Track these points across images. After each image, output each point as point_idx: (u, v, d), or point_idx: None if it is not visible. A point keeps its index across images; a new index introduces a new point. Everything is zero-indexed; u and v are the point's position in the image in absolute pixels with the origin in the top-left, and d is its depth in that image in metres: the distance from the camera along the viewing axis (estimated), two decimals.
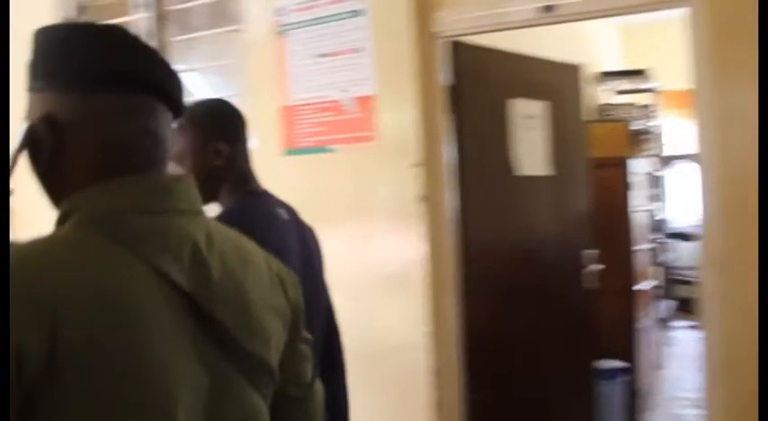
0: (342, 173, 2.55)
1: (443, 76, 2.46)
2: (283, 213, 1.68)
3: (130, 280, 0.79)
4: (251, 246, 1.01)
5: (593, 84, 4.64)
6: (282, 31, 2.65)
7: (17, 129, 0.87)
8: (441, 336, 2.42)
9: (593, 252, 3.19)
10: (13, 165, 0.86)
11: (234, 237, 0.98)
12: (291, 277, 1.06)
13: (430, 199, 2.38)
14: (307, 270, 1.60)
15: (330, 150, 2.55)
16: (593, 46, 5.30)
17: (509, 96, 2.79)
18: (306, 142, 2.62)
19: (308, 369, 1.09)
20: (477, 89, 2.60)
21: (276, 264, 1.05)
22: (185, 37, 3.24)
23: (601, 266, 3.26)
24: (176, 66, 2.79)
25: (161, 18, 3.27)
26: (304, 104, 2.61)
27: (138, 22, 3.34)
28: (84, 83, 0.84)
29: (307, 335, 1.09)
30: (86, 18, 3.56)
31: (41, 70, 0.86)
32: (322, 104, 2.56)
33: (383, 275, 2.46)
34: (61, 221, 0.84)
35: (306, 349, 1.08)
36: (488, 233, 2.69)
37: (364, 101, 2.46)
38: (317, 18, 2.56)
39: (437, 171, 2.42)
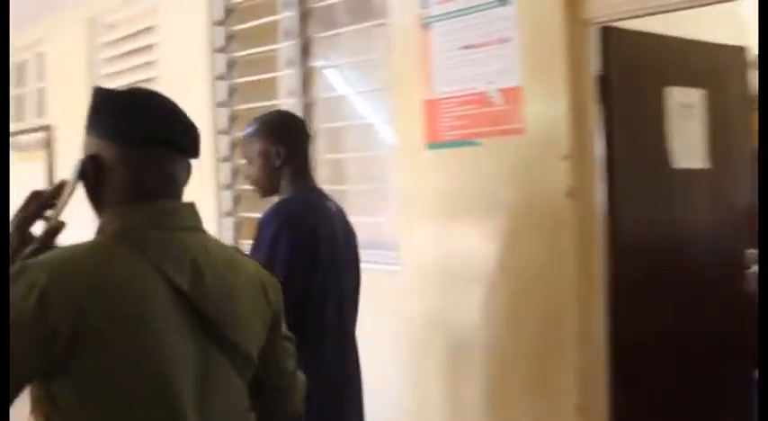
0: (487, 166, 2.50)
1: (594, 64, 2.35)
2: (332, 205, 2.10)
3: (141, 279, 1.09)
4: (242, 259, 1.33)
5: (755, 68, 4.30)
6: (426, 23, 2.63)
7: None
8: (588, 336, 2.32)
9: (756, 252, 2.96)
10: (73, 189, 1.22)
11: (228, 251, 1.30)
12: (274, 284, 1.33)
13: (579, 193, 2.28)
14: (349, 252, 2.13)
15: (475, 143, 2.50)
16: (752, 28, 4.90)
17: (665, 84, 2.62)
18: (449, 136, 2.58)
19: (290, 362, 1.39)
20: (630, 77, 2.46)
21: (264, 273, 1.33)
22: (329, 33, 3.30)
23: None
24: (318, 62, 2.82)
25: (305, 16, 3.34)
26: (448, 97, 2.58)
27: (283, 20, 3.44)
28: (120, 139, 1.18)
29: (288, 333, 1.38)
30: (235, 18, 3.70)
31: (95, 121, 1.21)
32: (466, 97, 2.51)
33: (529, 273, 2.38)
34: (99, 232, 1.19)
35: (288, 345, 1.38)
36: (640, 229, 2.54)
37: (510, 92, 2.39)
38: (462, 9, 2.51)
39: (587, 164, 2.31)
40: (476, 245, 2.56)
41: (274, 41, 3.50)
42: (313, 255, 1.95)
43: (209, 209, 3.76)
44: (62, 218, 1.27)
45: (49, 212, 1.27)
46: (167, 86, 4.07)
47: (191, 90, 3.86)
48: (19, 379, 1.01)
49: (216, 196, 3.76)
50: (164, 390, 1.08)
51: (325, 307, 2.04)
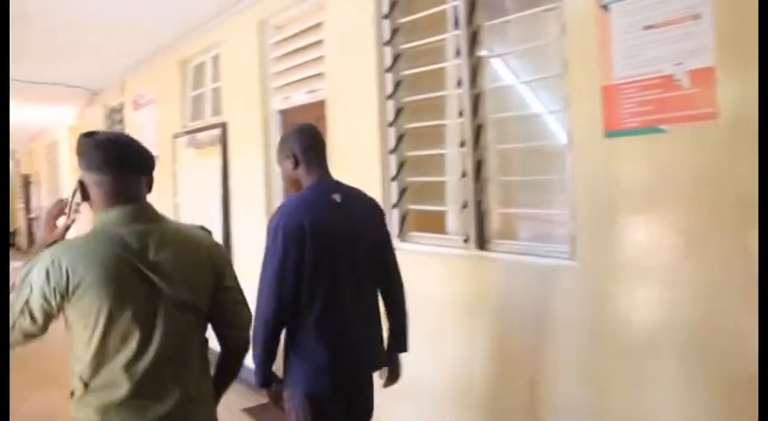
0: (673, 155, 2.33)
1: None
2: (337, 198, 2.57)
3: (111, 254, 1.85)
4: (195, 233, 2.08)
5: None
6: (605, 4, 2.49)
7: None
8: None
9: None
10: (73, 200, 2.01)
11: (183, 230, 2.06)
12: (216, 248, 2.11)
13: None
14: (351, 236, 2.54)
15: (659, 131, 2.34)
16: None
17: None
18: (631, 123, 2.43)
19: (237, 306, 2.10)
20: None
21: (209, 242, 2.09)
22: (498, 21, 3.22)
23: None
24: (487, 51, 2.75)
25: (473, 4, 3.29)
26: (629, 82, 2.43)
27: (450, 9, 3.40)
28: (91, 169, 1.94)
29: (235, 284, 2.10)
30: (401, 10, 3.71)
31: (78, 159, 1.97)
32: (650, 80, 2.36)
33: (712, 279, 2.20)
34: (93, 226, 1.94)
35: (233, 294, 2.09)
36: None
37: (701, 74, 2.21)
38: None
39: None
40: (658, 241, 2.40)
41: (441, 31, 3.48)
42: (302, 247, 2.43)
43: (377, 198, 3.80)
44: (72, 217, 2.09)
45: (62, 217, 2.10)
46: (335, 81, 4.18)
47: (358, 84, 3.93)
48: (48, 320, 1.87)
49: (383, 187, 3.79)
50: (118, 330, 1.85)
51: (324, 289, 2.48)
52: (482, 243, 3.31)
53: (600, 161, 2.61)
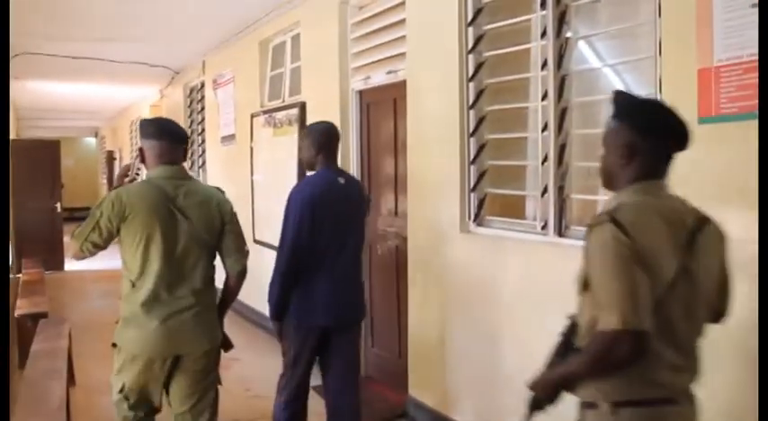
0: None
1: None
2: (341, 180, 3.32)
3: (154, 196, 2.79)
4: (212, 190, 3.01)
5: None
6: None
7: None
8: None
9: None
10: (136, 163, 3.12)
11: (203, 187, 3.04)
12: (224, 202, 2.97)
13: None
14: (351, 212, 3.34)
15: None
16: None
17: None
18: (730, 108, 2.32)
19: (235, 243, 2.96)
20: None
21: (219, 196, 2.98)
22: (587, 0, 3.12)
23: None
24: (574, 32, 2.64)
25: None
26: (729, 64, 2.31)
27: None
28: (149, 139, 2.92)
29: (233, 228, 2.96)
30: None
31: (143, 133, 2.95)
32: (754, 63, 2.23)
33: None
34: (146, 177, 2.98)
35: (234, 235, 2.96)
36: None
37: None
38: None
39: None
40: (751, 237, 2.28)
41: (527, 12, 3.39)
42: (312, 218, 3.18)
43: (455, 182, 3.78)
44: (133, 174, 3.19)
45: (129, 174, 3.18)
46: (415, 62, 4.15)
47: (439, 64, 3.88)
48: (105, 238, 2.78)
49: (461, 171, 3.75)
50: (154, 248, 2.75)
51: (326, 255, 3.24)
52: (561, 229, 3.24)
53: (693, 148, 2.49)
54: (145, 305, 2.77)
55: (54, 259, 10.58)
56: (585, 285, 1.86)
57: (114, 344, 2.86)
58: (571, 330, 2.01)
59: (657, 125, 1.86)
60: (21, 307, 5.81)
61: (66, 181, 12.12)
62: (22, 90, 11.51)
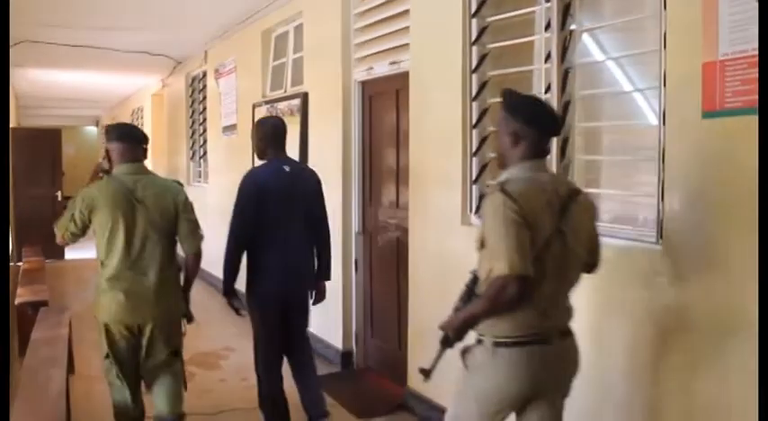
0: None
1: None
2: (286, 168, 3.71)
3: (118, 192, 3.28)
4: (168, 182, 3.53)
5: None
6: None
7: None
8: None
9: None
10: (106, 163, 3.48)
11: (160, 180, 3.50)
12: (179, 193, 3.44)
13: None
14: (296, 195, 3.71)
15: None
16: None
17: None
18: (734, 103, 2.30)
19: (191, 228, 3.42)
20: None
21: (174, 187, 3.48)
22: None
23: None
24: (578, 25, 2.63)
25: None
26: (735, 58, 2.29)
27: None
28: (113, 140, 3.42)
29: (187, 215, 3.41)
30: None
31: (106, 135, 3.54)
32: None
33: None
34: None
35: (187, 221, 3.41)
36: None
37: None
38: None
39: None
40: (755, 233, 2.28)
41: (531, 4, 3.38)
42: (258, 201, 3.61)
43: (456, 175, 3.77)
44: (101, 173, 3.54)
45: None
46: (419, 53, 4.13)
47: (443, 56, 3.87)
48: (80, 228, 3.34)
49: (463, 162, 3.74)
50: (118, 236, 3.25)
51: (274, 233, 3.65)
52: None
53: (695, 143, 2.49)
54: (110, 280, 3.30)
55: (54, 247, 10.45)
56: (482, 243, 2.28)
57: (95, 317, 3.42)
58: (473, 281, 2.42)
59: (536, 117, 2.34)
60: (21, 295, 5.82)
61: (67, 169, 12.12)
62: (24, 78, 11.49)
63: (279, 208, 3.65)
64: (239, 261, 3.71)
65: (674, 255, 2.58)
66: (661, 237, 2.65)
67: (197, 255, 3.48)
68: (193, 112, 10.05)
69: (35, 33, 7.65)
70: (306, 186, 3.84)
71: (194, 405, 4.45)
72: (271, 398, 3.80)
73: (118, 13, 6.73)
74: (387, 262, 4.85)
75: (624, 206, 3.22)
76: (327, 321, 5.43)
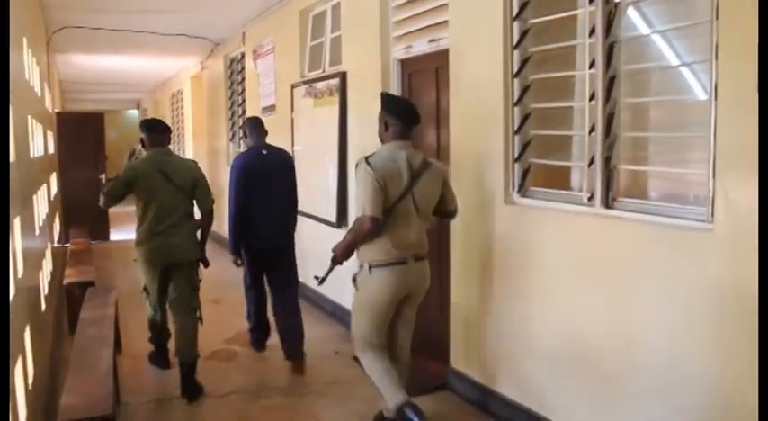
0: None
1: None
2: (264, 152, 4.85)
3: (150, 167, 4.40)
4: (188, 162, 4.74)
5: None
6: None
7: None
8: None
9: None
10: (138, 148, 4.81)
11: (184, 160, 4.78)
12: (196, 168, 4.64)
13: None
14: (277, 176, 4.82)
15: None
16: None
17: None
18: None
19: (205, 194, 4.59)
20: None
21: (194, 165, 4.67)
22: None
23: None
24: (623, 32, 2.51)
25: None
26: None
27: None
28: (145, 131, 4.59)
29: (202, 183, 4.58)
30: None
31: (140, 127, 4.70)
32: None
33: None
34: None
35: (201, 189, 4.56)
36: None
37: None
38: None
39: None
40: None
41: None
42: (245, 185, 4.70)
43: (498, 153, 3.72)
44: (137, 155, 4.75)
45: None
46: (459, 30, 4.07)
47: (483, 32, 3.81)
48: (123, 193, 4.40)
49: (505, 140, 3.69)
50: (153, 201, 4.35)
51: (258, 202, 4.71)
52: (608, 201, 3.17)
53: (750, 117, 2.40)
54: (147, 233, 4.43)
55: (100, 229, 10.80)
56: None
57: (135, 261, 4.64)
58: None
59: (401, 112, 3.49)
60: (69, 275, 5.95)
61: (110, 152, 12.31)
62: (67, 63, 11.68)
63: (260, 184, 4.77)
64: (241, 226, 4.79)
65: (726, 235, 2.50)
66: (713, 215, 2.58)
67: (209, 214, 4.67)
68: (232, 94, 10.10)
69: (76, 19, 7.75)
70: (281, 165, 4.98)
71: (237, 383, 4.53)
72: (255, 316, 5.22)
73: None
74: (429, 241, 4.81)
75: (673, 184, 3.14)
76: None
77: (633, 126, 3.17)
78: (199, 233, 4.61)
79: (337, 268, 3.66)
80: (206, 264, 4.62)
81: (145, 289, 4.63)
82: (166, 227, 4.37)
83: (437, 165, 3.56)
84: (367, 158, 3.40)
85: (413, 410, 3.39)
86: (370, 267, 3.48)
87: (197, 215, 4.62)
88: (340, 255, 3.55)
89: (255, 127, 5.00)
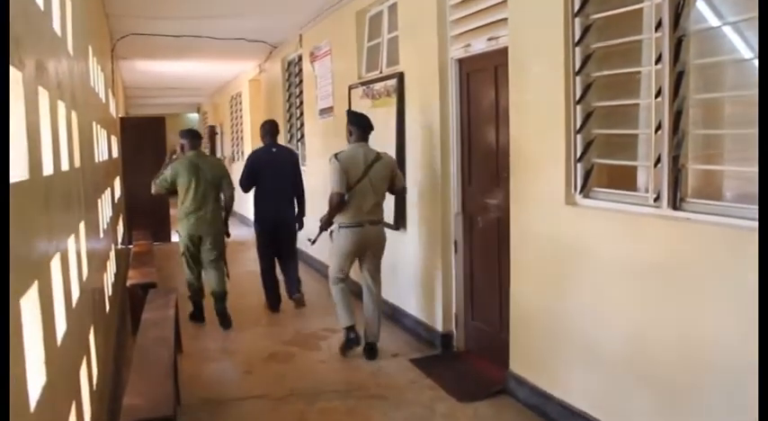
0: None
1: None
2: (273, 149, 6.61)
3: (189, 165, 5.99)
4: (217, 161, 6.74)
5: None
6: None
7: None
8: None
9: None
10: (178, 151, 6.42)
11: (213, 158, 7.27)
12: (222, 167, 6.37)
13: None
14: (279, 169, 6.48)
15: None
16: None
17: None
18: None
19: (226, 185, 6.13)
20: None
21: (220, 164, 6.48)
22: None
23: None
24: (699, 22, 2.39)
25: None
26: None
27: None
28: (185, 139, 6.16)
29: (227, 178, 6.18)
30: None
31: (180, 136, 6.27)
32: None
33: None
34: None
35: (226, 180, 6.14)
36: None
37: None
38: None
39: None
40: None
41: None
42: (255, 169, 6.43)
43: (560, 152, 3.62)
44: (176, 156, 6.35)
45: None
46: (518, 28, 3.99)
47: (544, 30, 3.72)
48: (168, 186, 6.01)
49: (567, 140, 3.59)
50: (190, 189, 5.94)
51: (265, 187, 6.41)
52: (676, 202, 3.04)
53: None
54: (186, 213, 5.98)
55: (162, 231, 11.02)
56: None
57: (177, 232, 6.24)
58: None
59: (358, 123, 5.00)
60: (132, 277, 6.07)
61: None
62: (130, 70, 11.98)
63: (268, 174, 6.41)
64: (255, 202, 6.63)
65: None
66: None
67: (231, 198, 6.16)
68: (290, 96, 10.18)
69: (139, 26, 7.93)
70: (285, 160, 6.59)
71: (294, 386, 4.54)
72: (266, 273, 6.65)
73: (215, 1, 6.87)
74: (488, 243, 4.75)
75: (748, 184, 2.99)
76: (427, 303, 5.40)
77: (704, 123, 3.04)
78: (223, 214, 6.17)
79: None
80: (228, 235, 6.26)
81: (183, 254, 6.11)
82: (197, 208, 5.94)
83: (387, 158, 5.06)
84: (336, 155, 4.97)
85: (353, 331, 5.07)
86: (339, 227, 5.00)
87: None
88: (324, 223, 5.09)
89: (270, 130, 6.67)
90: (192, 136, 6.16)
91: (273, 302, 6.61)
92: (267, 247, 6.60)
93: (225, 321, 6.02)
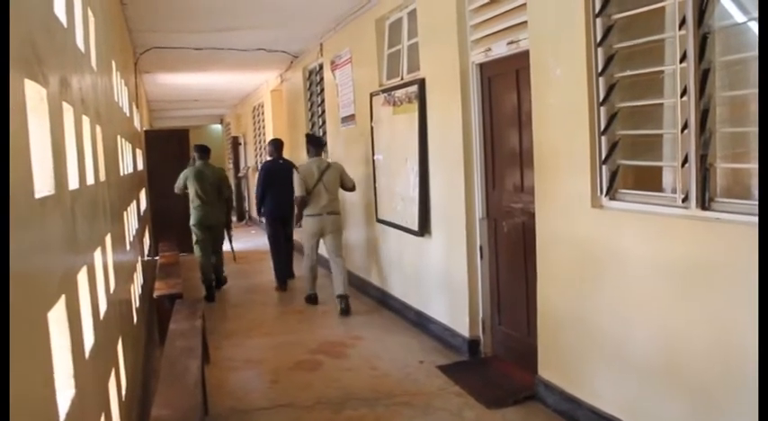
0: None
1: None
2: (280, 161, 8.50)
3: (196, 172, 8.13)
4: (219, 169, 8.60)
5: None
6: None
7: None
8: None
9: None
10: (191, 160, 8.80)
11: (217, 168, 8.56)
12: (223, 176, 8.49)
13: None
14: (282, 179, 7.91)
15: None
16: None
17: None
18: None
19: (227, 191, 8.47)
20: None
21: (221, 171, 8.55)
22: None
23: None
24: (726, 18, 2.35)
25: None
26: None
27: None
28: (195, 152, 8.46)
29: (227, 184, 8.55)
30: None
31: (193, 149, 9.01)
32: None
33: None
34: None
35: (225, 186, 8.43)
36: None
37: None
38: None
39: None
40: None
41: None
42: (266, 179, 8.34)
43: (584, 155, 3.58)
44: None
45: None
46: (538, 30, 3.96)
47: (564, 31, 3.69)
48: (182, 187, 8.22)
49: (591, 142, 3.55)
50: (198, 189, 8.05)
51: (272, 192, 8.27)
52: (704, 202, 2.99)
53: None
54: (196, 207, 7.94)
55: (187, 242, 11.02)
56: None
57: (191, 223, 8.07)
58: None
59: (313, 142, 7.29)
60: (159, 288, 6.11)
61: None
62: (153, 83, 12.10)
63: (275, 183, 8.10)
64: (261, 203, 8.35)
65: None
66: None
67: (230, 199, 8.46)
68: (312, 105, 10.22)
69: (161, 40, 8.02)
70: (287, 170, 7.69)
71: (322, 394, 4.53)
72: (276, 258, 8.41)
73: (236, 13, 6.92)
74: (513, 248, 4.71)
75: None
76: (454, 308, 5.37)
77: (732, 121, 2.99)
78: (225, 212, 8.36)
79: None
80: (229, 228, 8.62)
81: (196, 242, 7.99)
82: (204, 204, 7.91)
83: (336, 165, 7.17)
84: (298, 166, 7.20)
85: (313, 295, 7.26)
86: (305, 217, 7.02)
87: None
88: (295, 218, 7.18)
89: (277, 147, 8.51)
90: (201, 150, 8.22)
91: (281, 282, 8.37)
92: (276, 235, 8.48)
93: (210, 295, 7.79)
